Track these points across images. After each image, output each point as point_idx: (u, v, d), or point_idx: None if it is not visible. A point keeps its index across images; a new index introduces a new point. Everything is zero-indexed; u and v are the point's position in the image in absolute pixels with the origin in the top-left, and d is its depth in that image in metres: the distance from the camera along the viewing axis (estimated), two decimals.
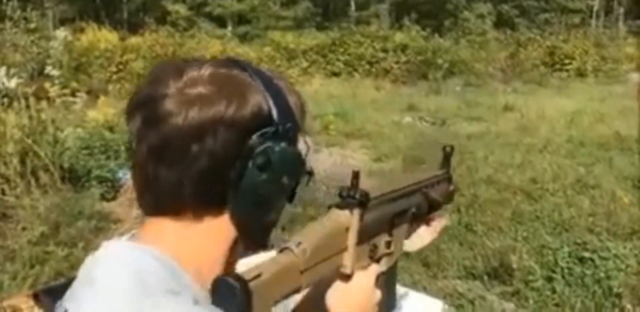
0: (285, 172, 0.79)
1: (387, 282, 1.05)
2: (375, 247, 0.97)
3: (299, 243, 0.79)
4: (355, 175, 0.87)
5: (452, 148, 1.25)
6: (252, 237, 0.84)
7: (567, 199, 4.88)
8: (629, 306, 3.14)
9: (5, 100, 5.09)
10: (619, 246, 3.75)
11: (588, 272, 3.46)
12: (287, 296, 0.79)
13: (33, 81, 7.54)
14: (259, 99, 0.77)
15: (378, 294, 0.98)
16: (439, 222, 1.20)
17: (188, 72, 0.77)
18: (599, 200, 4.82)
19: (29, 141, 4.38)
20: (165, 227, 0.80)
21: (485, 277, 3.56)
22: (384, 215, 0.99)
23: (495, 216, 4.47)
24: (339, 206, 0.87)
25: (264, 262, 0.77)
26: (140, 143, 0.77)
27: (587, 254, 3.63)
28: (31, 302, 2.31)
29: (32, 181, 4.32)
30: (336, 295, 0.91)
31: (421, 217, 1.16)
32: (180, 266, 0.78)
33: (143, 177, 0.79)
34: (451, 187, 1.25)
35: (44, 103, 5.22)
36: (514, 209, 4.61)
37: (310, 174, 0.87)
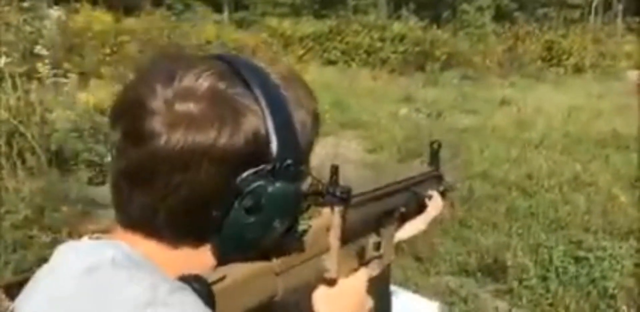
0: (278, 216, 0.68)
1: (380, 287, 0.97)
2: (363, 249, 0.90)
3: None
4: (335, 170, 0.78)
5: (440, 144, 1.19)
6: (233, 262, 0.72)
7: (562, 196, 4.83)
8: (624, 308, 3.09)
9: None
10: (614, 246, 3.71)
11: (583, 271, 3.41)
12: (262, 302, 0.71)
13: (25, 61, 7.41)
14: (256, 126, 0.66)
15: (369, 300, 0.89)
16: (432, 212, 1.15)
17: (182, 79, 0.65)
18: (595, 198, 4.77)
19: (16, 122, 4.27)
20: (136, 239, 0.69)
21: (479, 274, 3.50)
22: (370, 214, 0.92)
23: (490, 212, 4.41)
24: (319, 204, 0.78)
25: (235, 265, 0.69)
26: (118, 158, 0.67)
27: (582, 253, 3.59)
28: (2, 295, 2.22)
29: (18, 163, 4.22)
30: (322, 301, 0.82)
31: (410, 217, 1.10)
32: (152, 263, 0.68)
33: (117, 194, 0.69)
34: (441, 187, 1.20)
35: (34, 83, 5.11)
36: (508, 205, 4.56)
37: (320, 195, 0.76)
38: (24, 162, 4.28)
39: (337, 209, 0.78)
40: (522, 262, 3.51)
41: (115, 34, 11.97)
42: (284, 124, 0.68)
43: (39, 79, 5.61)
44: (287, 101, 0.70)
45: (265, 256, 0.72)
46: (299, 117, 0.72)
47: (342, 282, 0.83)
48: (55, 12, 10.62)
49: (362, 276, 0.89)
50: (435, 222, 1.19)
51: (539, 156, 6.08)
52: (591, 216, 4.32)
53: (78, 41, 11.27)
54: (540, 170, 5.51)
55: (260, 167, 0.66)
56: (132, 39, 11.94)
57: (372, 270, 0.93)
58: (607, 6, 23.34)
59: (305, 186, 0.75)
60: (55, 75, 5.94)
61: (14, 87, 4.61)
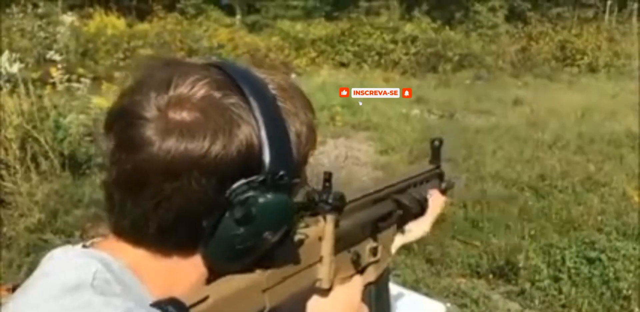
0: (269, 228, 0.66)
1: (377, 293, 0.95)
2: (358, 255, 0.88)
3: None
4: (328, 177, 0.75)
5: (441, 141, 1.15)
6: (227, 273, 0.71)
7: (576, 197, 4.79)
8: (637, 309, 3.05)
9: (8, 85, 5.03)
10: (628, 247, 3.67)
11: (596, 272, 3.38)
12: None
13: (39, 66, 7.50)
14: (249, 137, 0.65)
15: (364, 308, 0.87)
16: (433, 211, 1.10)
17: (177, 87, 0.65)
18: (608, 198, 4.72)
19: (29, 127, 4.31)
20: (125, 248, 0.69)
21: (491, 276, 3.48)
22: (366, 219, 0.89)
23: (502, 213, 4.38)
24: (310, 213, 0.75)
25: (217, 283, 0.66)
26: (111, 166, 0.67)
27: (595, 254, 3.55)
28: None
29: (32, 167, 4.26)
30: (316, 311, 0.81)
31: (410, 218, 1.07)
32: (136, 276, 0.68)
33: (110, 201, 0.69)
34: (443, 185, 1.17)
35: (47, 88, 5.16)
36: (521, 206, 4.52)
37: (315, 204, 0.74)
38: (37, 166, 4.32)
39: (329, 217, 0.76)
40: (535, 264, 3.49)
41: (128, 38, 12.06)
42: (278, 136, 0.67)
43: (53, 84, 5.66)
44: (283, 113, 0.70)
45: (260, 266, 0.70)
46: (295, 128, 0.71)
47: (336, 291, 0.82)
48: (69, 18, 10.74)
49: (357, 283, 0.87)
50: (439, 221, 1.16)
51: (552, 156, 6.03)
52: (605, 216, 4.28)
53: (91, 46, 11.38)
54: (554, 170, 5.47)
55: (252, 178, 0.65)
56: (145, 44, 12.02)
57: (368, 276, 0.91)
58: (622, 5, 23.13)
59: (299, 195, 0.74)
60: (68, 80, 5.99)
61: (28, 92, 4.65)
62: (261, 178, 0.65)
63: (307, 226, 0.76)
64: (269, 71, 0.77)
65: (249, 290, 0.67)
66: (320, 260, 0.78)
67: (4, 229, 3.67)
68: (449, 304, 3.07)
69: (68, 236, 3.61)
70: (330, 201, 0.74)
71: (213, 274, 0.69)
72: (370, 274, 0.92)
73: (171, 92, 0.65)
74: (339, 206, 0.75)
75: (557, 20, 18.45)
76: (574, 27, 17.26)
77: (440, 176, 1.17)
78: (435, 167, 1.16)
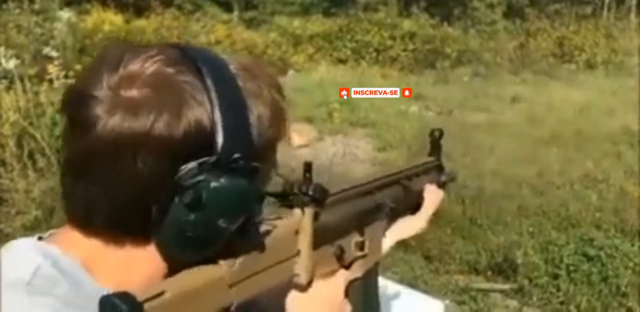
0: (223, 214, 0.62)
1: (365, 289, 0.91)
2: (342, 250, 0.84)
3: None
4: (308, 167, 0.72)
5: (442, 132, 1.10)
6: (188, 265, 0.66)
7: (574, 194, 4.79)
8: (636, 306, 3.05)
9: (4, 81, 5.00)
10: (626, 244, 3.67)
11: (594, 269, 3.38)
12: None
13: (35, 62, 7.46)
14: (200, 117, 0.62)
15: (347, 305, 0.84)
16: (430, 206, 1.05)
17: (128, 65, 0.63)
18: (606, 195, 4.72)
19: (25, 124, 4.29)
20: (79, 239, 0.67)
21: (489, 273, 3.48)
22: (350, 212, 0.86)
23: (501, 210, 4.38)
24: (288, 205, 0.73)
25: (176, 276, 0.62)
26: (64, 149, 0.65)
27: (593, 251, 3.55)
28: None
29: (29, 164, 4.24)
30: (294, 307, 0.78)
31: (403, 212, 1.03)
32: (88, 270, 0.65)
33: (63, 187, 0.67)
34: (443, 178, 1.12)
35: (44, 85, 5.13)
36: (519, 203, 4.52)
37: (286, 195, 0.71)
38: (34, 163, 4.30)
39: (307, 210, 0.73)
40: (533, 261, 3.49)
41: (125, 34, 12.02)
42: (234, 117, 0.64)
43: (50, 81, 5.63)
44: (242, 93, 0.67)
45: (223, 258, 0.66)
46: (256, 110, 0.68)
47: (316, 287, 0.78)
48: (66, 14, 10.68)
49: (340, 279, 0.84)
50: (436, 217, 1.13)
51: (550, 153, 6.03)
52: (603, 213, 4.27)
53: (88, 42, 11.32)
54: (552, 167, 5.47)
55: (203, 159, 0.62)
56: (143, 40, 11.98)
57: (353, 272, 0.87)
58: (620, 1, 23.12)
59: (277, 186, 0.72)
60: (65, 76, 5.96)
61: (24, 88, 4.63)
62: (212, 160, 0.62)
63: (280, 218, 0.73)
64: (236, 54, 0.75)
65: (212, 284, 0.63)
66: (298, 254, 0.74)
67: (1, 226, 3.66)
68: (447, 301, 3.06)
69: None
70: (310, 192, 0.71)
71: (172, 267, 0.66)
72: (357, 270, 0.88)
73: (121, 70, 0.63)
74: (318, 198, 0.72)
75: (555, 16, 18.43)
76: (572, 23, 17.24)
77: (440, 169, 1.12)
78: (434, 159, 1.12)
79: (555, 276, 3.36)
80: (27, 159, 4.26)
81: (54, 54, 6.53)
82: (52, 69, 5.68)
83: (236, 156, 0.63)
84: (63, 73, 5.84)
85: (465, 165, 5.51)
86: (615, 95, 9.91)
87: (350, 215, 0.86)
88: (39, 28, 10.35)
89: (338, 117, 7.70)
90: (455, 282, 3.38)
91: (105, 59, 0.65)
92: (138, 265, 0.67)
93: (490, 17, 20.39)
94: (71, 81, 6.03)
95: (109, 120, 0.61)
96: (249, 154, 0.64)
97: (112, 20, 12.90)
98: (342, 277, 0.84)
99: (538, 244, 3.72)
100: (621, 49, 15.56)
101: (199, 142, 0.62)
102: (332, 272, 0.83)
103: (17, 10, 10.27)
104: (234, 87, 0.66)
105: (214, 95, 0.63)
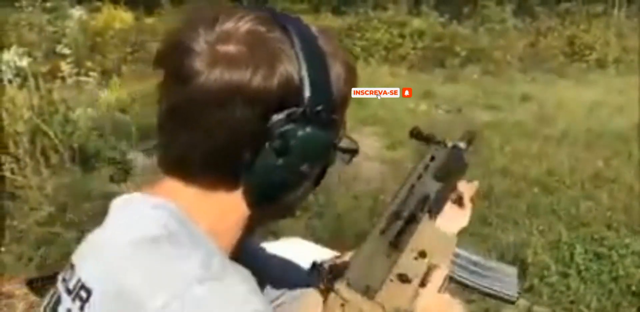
0: (306, 160, 0.71)
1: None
2: (405, 277, 0.88)
3: None
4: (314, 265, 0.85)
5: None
6: (272, 216, 0.78)
7: (584, 193, 4.77)
8: None
9: (17, 79, 5.04)
10: (637, 243, 3.66)
11: (605, 269, 3.37)
12: None
13: (48, 60, 7.51)
14: (290, 71, 0.69)
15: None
16: (467, 193, 1.12)
17: (223, 23, 0.70)
18: (617, 194, 4.70)
19: (38, 121, 4.33)
20: (179, 188, 0.74)
21: None
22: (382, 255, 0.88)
23: (510, 208, 4.37)
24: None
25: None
26: (162, 99, 0.72)
27: (604, 251, 3.54)
28: (25, 289, 2.27)
29: (42, 161, 4.28)
30: None
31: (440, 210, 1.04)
32: (194, 223, 0.72)
33: (161, 135, 0.74)
34: (461, 145, 1.13)
35: (57, 82, 5.17)
36: (529, 202, 4.51)
37: (354, 152, 0.80)
38: (47, 160, 4.34)
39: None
40: (543, 260, 3.48)
41: (136, 32, 12.06)
42: (318, 72, 0.70)
43: (62, 78, 5.68)
44: (324, 52, 0.73)
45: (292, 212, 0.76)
46: (334, 68, 0.74)
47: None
48: (77, 12, 10.74)
49: (428, 298, 0.89)
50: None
51: (560, 151, 6.01)
52: (613, 212, 4.26)
53: (99, 40, 11.38)
54: (562, 166, 5.45)
55: (292, 110, 0.68)
56: (153, 38, 12.02)
57: (435, 282, 0.91)
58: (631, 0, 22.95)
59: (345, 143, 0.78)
60: (77, 74, 6.01)
61: (37, 86, 4.67)
62: (300, 111, 0.68)
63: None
64: None
65: None
66: None
67: (15, 223, 3.69)
68: (457, 300, 3.07)
69: (77, 230, 3.62)
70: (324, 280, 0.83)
71: (251, 216, 0.73)
72: (437, 277, 0.96)
73: (218, 28, 0.69)
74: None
75: (566, 15, 18.32)
76: (582, 22, 17.14)
77: (458, 150, 1.12)
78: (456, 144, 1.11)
79: (566, 275, 3.35)
80: (40, 156, 4.30)
81: (67, 51, 6.56)
82: (65, 67, 5.72)
83: (319, 108, 0.70)
84: (75, 71, 5.88)
85: (474, 163, 5.50)
86: (625, 94, 9.85)
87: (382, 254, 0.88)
88: (51, 26, 10.42)
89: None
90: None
91: (201, 18, 0.71)
92: (228, 211, 0.73)
93: (500, 16, 20.29)
94: (84, 79, 6.09)
95: (211, 73, 0.67)
96: (329, 108, 0.72)
97: (122, 17, 12.94)
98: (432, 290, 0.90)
99: (548, 243, 3.72)
100: (632, 47, 15.46)
101: (289, 94, 0.69)
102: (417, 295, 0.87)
103: (30, 8, 10.35)
104: (316, 46, 0.73)
105: (300, 52, 0.69)
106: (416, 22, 15.68)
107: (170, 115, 0.71)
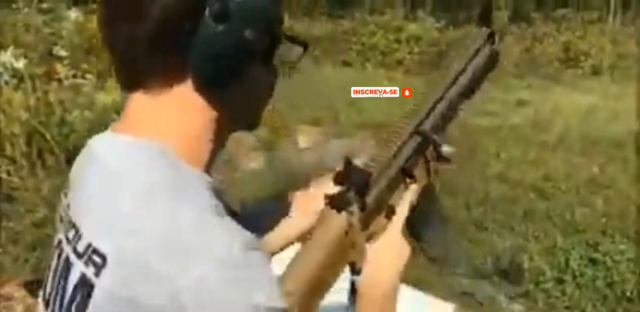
0: (248, 25, 0.68)
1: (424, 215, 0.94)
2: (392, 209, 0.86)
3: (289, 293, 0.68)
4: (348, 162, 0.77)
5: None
6: (233, 114, 0.73)
7: (579, 199, 4.79)
8: None
9: (13, 80, 5.04)
10: (632, 249, 3.67)
11: (600, 274, 3.38)
12: None
13: (44, 62, 7.49)
14: None
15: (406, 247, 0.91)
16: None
17: None
18: (612, 200, 4.72)
19: (35, 123, 4.32)
20: (138, 102, 0.73)
21: (495, 277, 3.49)
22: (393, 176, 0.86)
23: (506, 214, 4.38)
24: (333, 207, 0.76)
25: None
26: (103, 6, 0.72)
27: (599, 256, 3.55)
28: (23, 292, 2.26)
29: (38, 163, 4.27)
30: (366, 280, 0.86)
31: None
32: (176, 153, 0.71)
33: (105, 41, 0.73)
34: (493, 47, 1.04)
35: (53, 84, 5.16)
36: (525, 207, 4.52)
37: (303, 44, 0.80)
38: (43, 162, 4.33)
39: (355, 209, 0.78)
40: (538, 265, 3.49)
41: None
42: None
43: (58, 80, 5.67)
44: None
45: (251, 123, 0.76)
46: None
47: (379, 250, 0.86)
48: (74, 14, 10.70)
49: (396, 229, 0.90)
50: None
51: (556, 157, 6.03)
52: (609, 218, 4.28)
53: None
54: (557, 172, 5.47)
55: None
56: None
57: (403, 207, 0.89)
58: (627, 7, 23.09)
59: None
60: (74, 76, 6.00)
61: (34, 88, 4.66)
62: None
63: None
64: None
65: None
66: (353, 246, 0.82)
67: (11, 224, 3.68)
68: (452, 305, 3.07)
69: None
70: (350, 193, 0.79)
71: (218, 120, 0.72)
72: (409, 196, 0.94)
73: None
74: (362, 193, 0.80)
75: (562, 21, 18.41)
76: (578, 28, 17.22)
77: (489, 37, 1.04)
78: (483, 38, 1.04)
79: (561, 281, 3.37)
80: (37, 158, 4.29)
81: (63, 53, 6.55)
82: (61, 69, 5.71)
83: None
84: (72, 73, 5.87)
85: (470, 169, 5.52)
86: (621, 101, 9.90)
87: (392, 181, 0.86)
88: (48, 28, 10.39)
89: (344, 119, 7.71)
90: (460, 286, 3.39)
91: None
92: (183, 105, 0.71)
93: (496, 21, 20.37)
94: (80, 80, 6.08)
95: None
96: None
97: None
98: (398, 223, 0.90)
99: (544, 249, 3.73)
100: (627, 54, 15.54)
101: None
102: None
103: (26, 10, 10.32)
104: None
105: None
106: (412, 27, 15.72)
107: (110, 13, 0.72)
